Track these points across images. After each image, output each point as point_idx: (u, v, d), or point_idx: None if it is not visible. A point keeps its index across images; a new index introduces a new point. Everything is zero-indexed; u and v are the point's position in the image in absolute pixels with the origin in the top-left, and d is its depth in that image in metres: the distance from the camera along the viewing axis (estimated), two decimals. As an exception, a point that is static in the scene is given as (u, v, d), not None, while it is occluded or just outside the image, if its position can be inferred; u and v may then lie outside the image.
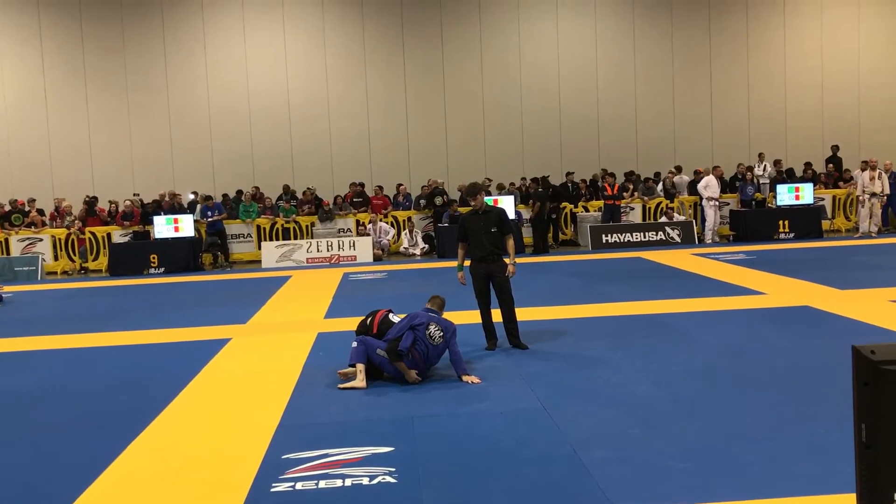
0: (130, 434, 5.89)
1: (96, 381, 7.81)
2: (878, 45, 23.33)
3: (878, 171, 18.43)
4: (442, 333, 7.05)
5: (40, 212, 19.54)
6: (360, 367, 6.96)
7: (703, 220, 18.83)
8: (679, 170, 21.09)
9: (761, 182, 20.51)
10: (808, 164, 20.90)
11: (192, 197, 19.92)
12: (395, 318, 7.48)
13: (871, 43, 23.29)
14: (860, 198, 18.54)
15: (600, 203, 19.46)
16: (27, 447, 5.80)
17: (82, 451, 5.64)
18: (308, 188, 20.27)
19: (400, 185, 20.67)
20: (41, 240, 18.53)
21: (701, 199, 18.84)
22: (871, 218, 18.25)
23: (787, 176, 20.69)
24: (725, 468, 4.77)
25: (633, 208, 19.76)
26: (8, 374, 8.23)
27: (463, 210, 17.98)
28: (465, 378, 6.98)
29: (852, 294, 10.56)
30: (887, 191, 18.40)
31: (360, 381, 6.91)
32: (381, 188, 20.55)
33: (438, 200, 19.34)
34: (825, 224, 19.32)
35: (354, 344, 7.09)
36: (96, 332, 10.36)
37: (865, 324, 8.68)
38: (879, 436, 2.37)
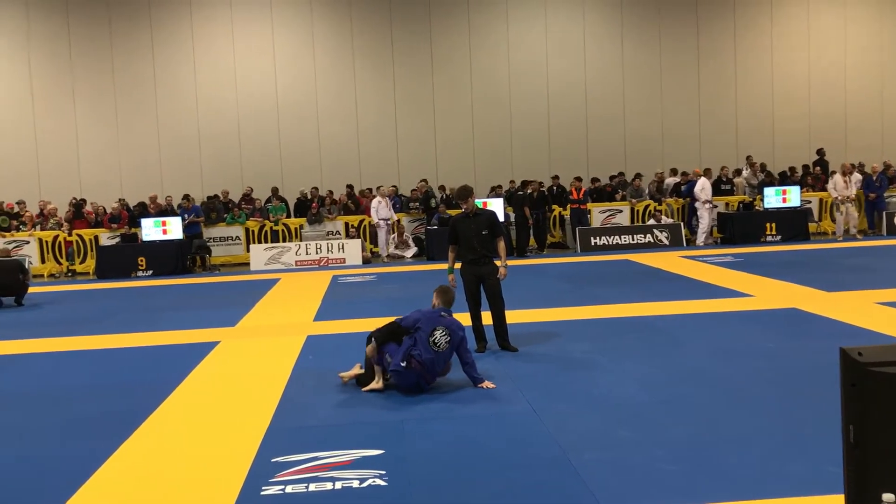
0: (118, 438, 5.87)
1: (84, 384, 7.77)
2: (864, 48, 23.51)
3: (848, 175, 18.64)
4: (449, 339, 6.70)
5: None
6: (378, 368, 6.84)
7: (695, 222, 18.87)
8: (675, 172, 21.13)
9: (749, 185, 20.65)
10: (792, 169, 21.02)
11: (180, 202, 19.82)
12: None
13: (857, 46, 23.47)
14: (834, 202, 18.79)
15: (595, 205, 19.58)
16: (12, 452, 5.77)
17: (69, 455, 5.61)
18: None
19: (393, 186, 20.64)
20: (28, 242, 18.42)
21: (693, 201, 18.88)
22: (849, 221, 18.45)
23: (781, 178, 20.82)
24: (714, 470, 4.80)
25: (620, 211, 19.83)
26: (-5, 378, 8.19)
27: (452, 212, 18.03)
28: (480, 385, 6.78)
29: (839, 296, 10.63)
30: (853, 194, 18.62)
31: (376, 383, 6.80)
32: (370, 191, 20.55)
33: (433, 202, 19.35)
34: (812, 226, 19.45)
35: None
36: (84, 336, 10.31)
37: (852, 326, 8.74)
38: (867, 436, 2.39)
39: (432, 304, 7.16)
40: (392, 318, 7.23)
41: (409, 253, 18.75)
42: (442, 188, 20.58)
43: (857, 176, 19.19)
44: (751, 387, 6.56)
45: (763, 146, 23.01)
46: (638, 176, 20.79)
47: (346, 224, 19.39)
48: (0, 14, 21.24)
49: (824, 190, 20.40)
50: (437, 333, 6.68)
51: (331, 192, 20.46)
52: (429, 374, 6.69)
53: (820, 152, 21.94)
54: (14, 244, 18.29)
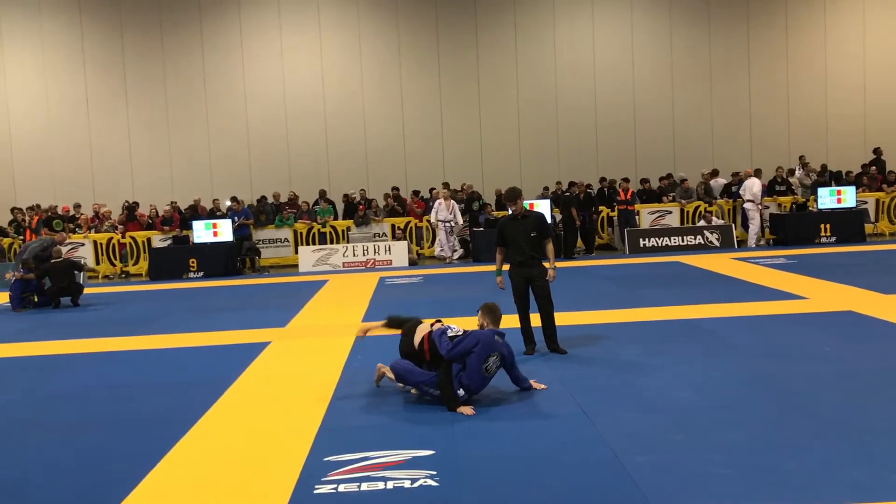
0: (173, 437, 5.97)
1: (139, 383, 7.92)
2: (922, 45, 22.90)
3: None
4: (499, 364, 6.43)
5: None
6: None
7: (747, 223, 18.51)
8: (715, 173, 20.82)
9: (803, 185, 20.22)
10: (848, 172, 20.54)
11: (228, 203, 20.11)
12: (449, 333, 6.60)
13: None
14: None
15: (644, 206, 19.38)
16: (72, 450, 5.90)
17: (126, 453, 5.72)
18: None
19: (432, 189, 20.67)
20: (83, 244, 18.86)
21: (744, 202, 18.52)
22: None
23: (835, 179, 20.36)
24: (769, 475, 4.70)
25: (670, 212, 19.57)
26: (52, 377, 8.39)
27: (497, 213, 18.00)
28: (533, 387, 6.75)
29: (898, 299, 10.36)
30: None
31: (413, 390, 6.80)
32: (417, 192, 20.63)
33: (476, 205, 19.33)
34: (868, 227, 18.97)
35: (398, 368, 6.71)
36: (138, 336, 10.52)
37: (912, 329, 8.50)
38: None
39: (480, 325, 6.82)
40: (436, 319, 7.16)
41: (455, 255, 18.75)
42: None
43: None
44: (807, 391, 6.42)
45: (816, 146, 22.53)
46: (713, 174, 20.48)
47: (393, 226, 19.47)
48: (54, 21, 21.82)
49: (881, 190, 19.90)
50: (491, 360, 6.32)
51: (375, 200, 20.50)
52: (475, 393, 6.47)
53: (876, 151, 21.41)
54: (70, 246, 18.73)
